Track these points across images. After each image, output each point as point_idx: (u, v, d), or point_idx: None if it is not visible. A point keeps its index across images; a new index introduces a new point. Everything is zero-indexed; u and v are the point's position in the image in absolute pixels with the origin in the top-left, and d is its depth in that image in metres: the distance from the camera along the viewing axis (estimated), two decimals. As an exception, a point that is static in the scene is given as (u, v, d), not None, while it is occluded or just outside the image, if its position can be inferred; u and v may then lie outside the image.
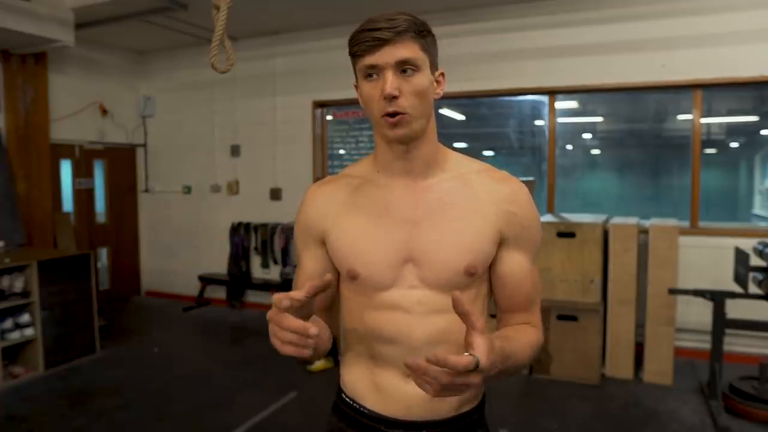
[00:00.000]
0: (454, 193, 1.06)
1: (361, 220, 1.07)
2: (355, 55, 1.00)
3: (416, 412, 1.06)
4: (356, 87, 1.06)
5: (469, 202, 1.06)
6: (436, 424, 1.06)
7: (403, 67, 0.98)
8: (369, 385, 1.10)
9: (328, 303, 1.15)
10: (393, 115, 0.98)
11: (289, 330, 0.85)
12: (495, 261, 1.08)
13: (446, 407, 1.06)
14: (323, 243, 1.11)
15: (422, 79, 1.00)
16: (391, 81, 0.96)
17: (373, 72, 0.98)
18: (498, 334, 1.03)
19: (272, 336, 0.87)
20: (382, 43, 0.96)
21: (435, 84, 1.06)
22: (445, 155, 1.11)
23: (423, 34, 1.01)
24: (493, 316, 1.16)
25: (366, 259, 1.05)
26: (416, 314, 1.04)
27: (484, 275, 1.09)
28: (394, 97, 0.97)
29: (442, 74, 1.08)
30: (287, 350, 0.87)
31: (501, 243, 1.07)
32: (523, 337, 1.06)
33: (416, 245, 1.04)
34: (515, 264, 1.08)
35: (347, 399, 1.14)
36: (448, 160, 1.11)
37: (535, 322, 1.12)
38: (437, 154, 1.09)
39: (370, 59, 0.97)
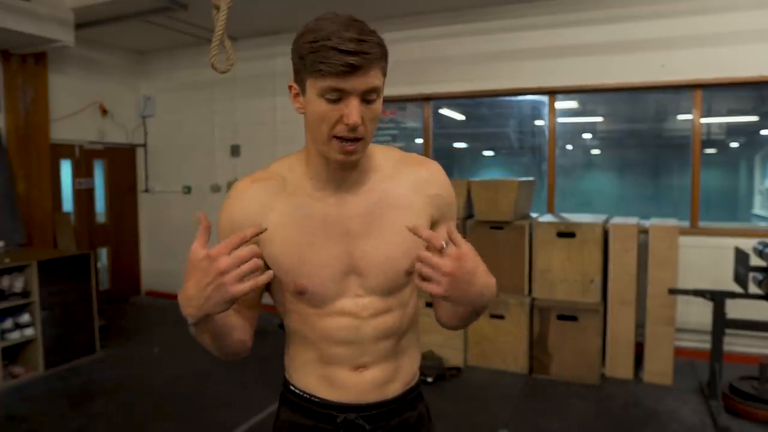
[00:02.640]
0: (385, 195, 1.09)
1: (299, 233, 1.06)
2: (316, 71, 0.94)
3: (368, 397, 1.12)
4: (293, 91, 1.04)
5: (398, 199, 1.09)
6: (384, 404, 1.14)
7: (368, 96, 0.96)
8: (320, 379, 1.13)
9: (256, 301, 1.14)
10: (351, 140, 0.97)
11: (242, 261, 0.89)
12: None
13: (392, 389, 1.14)
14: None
15: (379, 104, 1.00)
16: (357, 110, 0.95)
17: (336, 96, 0.95)
18: None
19: (216, 285, 0.89)
20: (354, 70, 0.92)
21: None
22: (370, 156, 1.10)
23: (386, 58, 0.99)
24: (428, 304, 1.22)
25: (311, 275, 1.05)
26: (364, 318, 1.09)
27: None
28: (356, 126, 0.96)
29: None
30: (245, 287, 0.89)
31: (432, 225, 1.12)
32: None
33: (357, 257, 1.07)
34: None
35: (296, 390, 1.16)
36: (373, 159, 1.11)
37: None
38: (367, 160, 1.09)
39: (337, 83, 0.93)
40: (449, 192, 1.16)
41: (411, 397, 1.19)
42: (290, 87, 1.05)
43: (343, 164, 1.02)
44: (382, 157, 1.13)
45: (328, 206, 1.07)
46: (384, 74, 0.99)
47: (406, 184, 1.10)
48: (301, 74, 1.00)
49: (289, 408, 1.18)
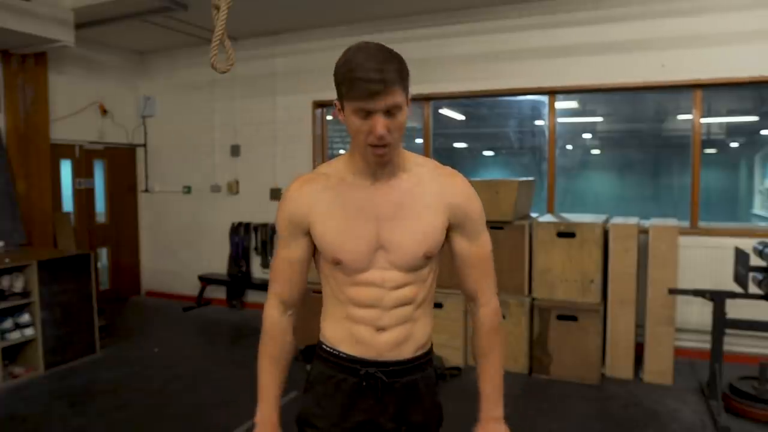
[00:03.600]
0: (412, 191, 1.33)
1: (341, 217, 1.32)
2: (348, 97, 1.19)
3: (385, 355, 1.35)
4: (337, 107, 1.26)
5: (423, 198, 1.33)
6: (399, 363, 1.37)
7: (392, 111, 1.19)
8: (347, 336, 1.37)
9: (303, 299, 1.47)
10: (379, 146, 1.21)
11: None
12: (450, 243, 1.38)
13: (406, 351, 1.37)
14: (308, 233, 1.35)
15: (403, 115, 1.22)
16: (381, 125, 1.18)
17: (365, 113, 1.18)
18: (482, 378, 1.43)
19: None
20: (375, 93, 1.15)
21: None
22: (404, 157, 1.35)
23: (405, 77, 1.21)
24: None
25: (347, 249, 1.31)
26: (386, 288, 1.33)
27: (437, 256, 1.38)
28: (382, 136, 1.19)
29: (411, 99, 1.28)
30: None
31: (450, 228, 1.36)
32: (495, 354, 1.43)
33: (385, 237, 1.31)
34: (463, 246, 1.39)
35: (328, 348, 1.40)
36: (406, 160, 1.35)
37: (486, 299, 1.43)
38: (400, 159, 1.33)
39: (364, 105, 1.17)
40: (470, 204, 1.37)
41: (422, 361, 1.41)
42: (335, 103, 1.27)
43: (377, 163, 1.28)
44: (416, 162, 1.37)
45: (364, 193, 1.32)
46: (405, 90, 1.21)
47: (432, 189, 1.34)
48: (340, 95, 1.23)
49: (322, 362, 1.42)
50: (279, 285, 1.42)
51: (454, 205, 1.34)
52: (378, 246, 1.31)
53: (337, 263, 1.33)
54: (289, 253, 1.39)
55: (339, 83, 1.21)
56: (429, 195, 1.33)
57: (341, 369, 1.38)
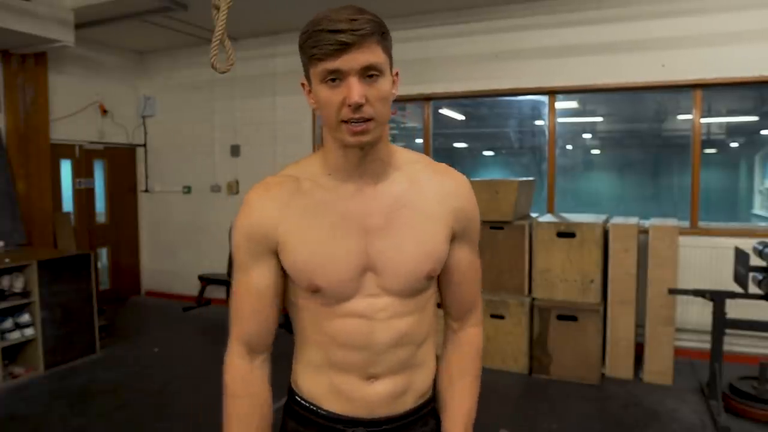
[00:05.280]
0: (407, 195, 1.05)
1: (317, 230, 1.02)
2: (312, 57, 0.93)
3: (378, 411, 1.07)
4: (305, 88, 1.01)
5: (420, 203, 1.05)
6: (395, 419, 1.08)
7: (369, 73, 0.93)
8: (327, 388, 1.08)
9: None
10: (357, 121, 0.93)
11: None
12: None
13: (403, 403, 1.09)
14: (275, 253, 1.04)
15: (386, 83, 0.96)
16: (357, 88, 0.91)
17: (335, 77, 0.92)
18: (451, 404, 1.16)
19: None
20: (346, 47, 0.90)
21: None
22: (393, 153, 1.07)
23: (385, 35, 0.96)
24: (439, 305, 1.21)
25: (326, 272, 1.01)
26: (378, 320, 1.03)
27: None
28: (360, 105, 0.92)
29: (397, 73, 1.02)
30: None
31: (451, 238, 1.09)
32: (478, 379, 1.19)
33: (375, 253, 1.02)
34: (462, 257, 1.13)
35: (303, 402, 1.11)
36: (396, 157, 1.07)
37: (477, 319, 1.21)
38: (388, 154, 1.06)
39: (332, 64, 0.91)
40: (473, 207, 1.13)
41: (424, 412, 1.14)
42: (302, 85, 1.02)
43: (358, 147, 0.98)
44: (407, 158, 1.10)
45: (346, 200, 1.03)
46: (386, 52, 0.95)
47: (430, 192, 1.07)
48: (305, 67, 0.97)
49: (296, 421, 1.13)
50: (242, 324, 1.08)
51: (458, 209, 1.09)
52: (366, 266, 1.02)
53: (314, 291, 1.02)
54: (252, 279, 1.05)
55: (301, 47, 0.95)
56: (428, 198, 1.06)
57: (318, 428, 1.09)
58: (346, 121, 0.94)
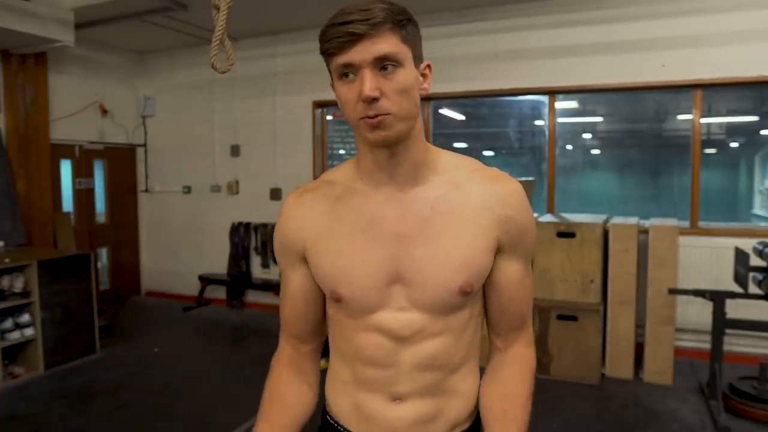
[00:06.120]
0: (446, 200, 0.95)
1: (343, 235, 0.96)
2: (327, 54, 0.88)
3: None
4: (332, 87, 0.95)
5: (462, 209, 0.95)
6: None
7: (383, 64, 0.86)
8: (352, 409, 1.02)
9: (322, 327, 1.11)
10: (373, 117, 0.86)
11: None
12: (493, 268, 1.00)
13: (434, 429, 1.00)
14: (305, 260, 1.01)
15: (405, 75, 0.87)
16: (369, 81, 0.84)
17: (348, 71, 0.87)
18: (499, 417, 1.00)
19: None
20: (357, 38, 0.84)
21: (421, 78, 0.93)
22: (434, 156, 0.99)
23: (403, 23, 0.88)
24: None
25: (350, 280, 0.95)
26: (404, 338, 0.96)
27: (479, 292, 1.01)
28: (374, 99, 0.85)
29: (429, 66, 0.94)
30: None
31: (498, 250, 0.98)
32: (520, 398, 1.03)
33: (405, 263, 0.94)
34: (510, 272, 1.00)
35: (330, 419, 1.07)
36: (438, 160, 0.99)
37: (528, 340, 1.08)
38: (426, 156, 0.97)
39: (343, 57, 0.86)
40: (526, 217, 0.99)
41: None
42: (332, 86, 0.95)
43: (382, 145, 0.91)
44: (452, 162, 1.00)
45: (377, 204, 0.95)
46: (405, 42, 0.88)
47: (475, 196, 0.96)
48: (327, 67, 0.92)
49: None
50: (285, 326, 1.09)
51: (506, 217, 0.96)
52: (394, 277, 0.94)
53: (336, 300, 0.98)
54: (289, 286, 1.05)
55: (321, 48, 0.90)
56: (471, 205, 0.95)
57: None
58: (363, 118, 0.88)
